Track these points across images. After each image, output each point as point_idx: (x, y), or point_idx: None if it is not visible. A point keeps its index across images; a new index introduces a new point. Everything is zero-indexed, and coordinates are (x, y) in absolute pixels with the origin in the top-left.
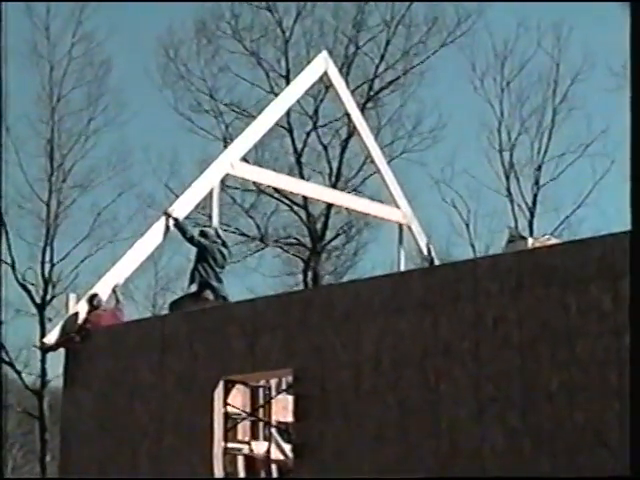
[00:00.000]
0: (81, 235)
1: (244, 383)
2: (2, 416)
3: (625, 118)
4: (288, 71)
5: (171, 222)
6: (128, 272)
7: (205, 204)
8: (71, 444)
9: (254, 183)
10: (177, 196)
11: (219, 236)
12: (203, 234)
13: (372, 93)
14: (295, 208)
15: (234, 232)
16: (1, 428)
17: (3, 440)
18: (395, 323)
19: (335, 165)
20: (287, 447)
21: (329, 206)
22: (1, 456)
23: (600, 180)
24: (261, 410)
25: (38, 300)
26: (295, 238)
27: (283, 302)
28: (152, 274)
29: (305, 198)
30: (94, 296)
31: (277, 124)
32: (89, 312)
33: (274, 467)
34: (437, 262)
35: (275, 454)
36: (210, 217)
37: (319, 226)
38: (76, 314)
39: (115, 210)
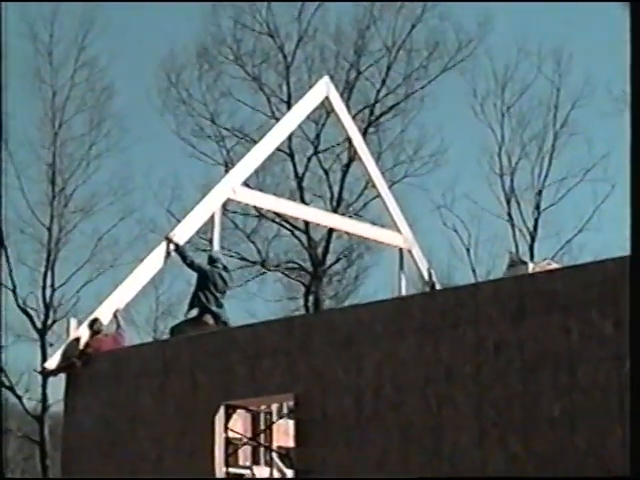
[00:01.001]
0: (82, 260)
1: (245, 408)
2: (2, 423)
3: (626, 143)
4: (289, 96)
5: (172, 247)
6: (129, 297)
7: (206, 229)
8: (72, 469)
9: (255, 208)
10: (178, 221)
11: (220, 261)
12: (211, 259)
13: (373, 118)
14: (296, 233)
15: (235, 257)
16: (1, 430)
17: (3, 440)
18: (396, 348)
19: (336, 190)
20: (288, 472)
21: (330, 231)
22: (1, 456)
23: (601, 205)
24: (262, 435)
25: (39, 325)
26: (296, 263)
27: (284, 327)
28: (153, 299)
29: (306, 223)
30: (95, 321)
31: (278, 149)
32: (91, 337)
33: None
34: (438, 287)
35: None
36: (211, 242)
37: (320, 251)
38: (77, 339)
39: (116, 235)
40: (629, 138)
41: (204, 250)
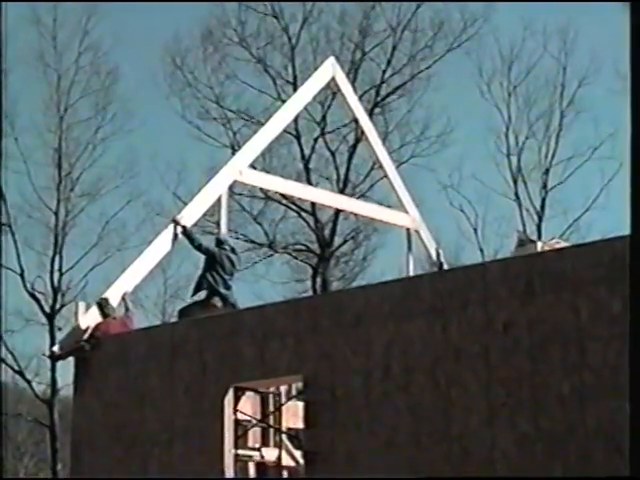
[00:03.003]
0: (90, 244)
1: (254, 390)
2: (1, 415)
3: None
4: (295, 78)
5: (179, 230)
6: (137, 280)
7: (213, 211)
8: (82, 452)
9: (262, 190)
10: (185, 204)
11: (228, 243)
12: (219, 242)
13: (379, 99)
14: (303, 214)
15: (243, 239)
16: (1, 428)
17: (3, 440)
18: (405, 328)
19: (343, 171)
20: (298, 454)
21: (337, 212)
22: (1, 456)
23: (608, 183)
24: (271, 417)
25: (47, 309)
26: (303, 244)
27: (292, 308)
28: (161, 282)
29: (313, 204)
30: (105, 300)
31: (285, 131)
32: (103, 317)
33: (285, 474)
34: (446, 267)
35: (286, 461)
36: (218, 224)
37: (327, 232)
38: (81, 326)
39: (123, 218)
40: (629, 139)
41: (211, 233)
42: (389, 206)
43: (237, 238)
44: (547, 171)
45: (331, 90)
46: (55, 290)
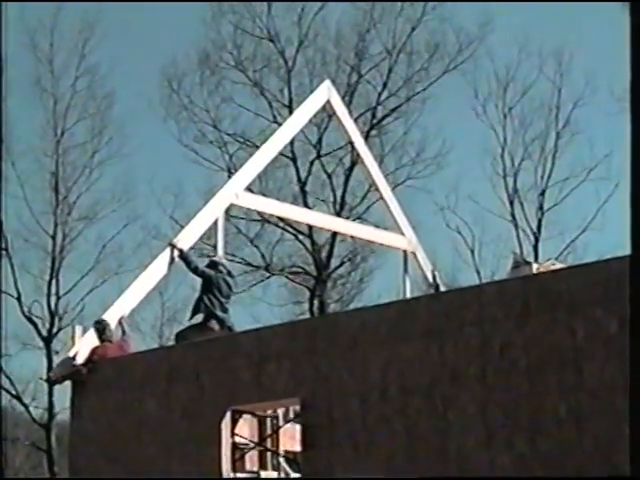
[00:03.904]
0: (87, 267)
1: (251, 413)
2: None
3: (628, 142)
4: (291, 100)
5: (176, 253)
6: (134, 303)
7: (210, 234)
8: (79, 476)
9: (259, 213)
10: (182, 227)
11: (224, 266)
12: (213, 264)
13: (375, 121)
14: (300, 237)
15: (239, 262)
16: (0, 430)
17: (3, 440)
18: (401, 350)
19: (339, 193)
20: (296, 476)
21: (334, 234)
22: (1, 456)
23: (604, 204)
24: (269, 440)
25: (44, 333)
26: (300, 267)
27: (289, 331)
28: (158, 305)
29: (310, 227)
30: (102, 323)
31: (281, 153)
32: (100, 339)
33: None
34: (442, 288)
35: None
36: (215, 247)
37: (324, 254)
38: (76, 354)
39: (120, 242)
40: (629, 139)
41: (208, 255)
42: (385, 228)
43: (234, 261)
44: (543, 192)
45: (327, 113)
46: (52, 314)
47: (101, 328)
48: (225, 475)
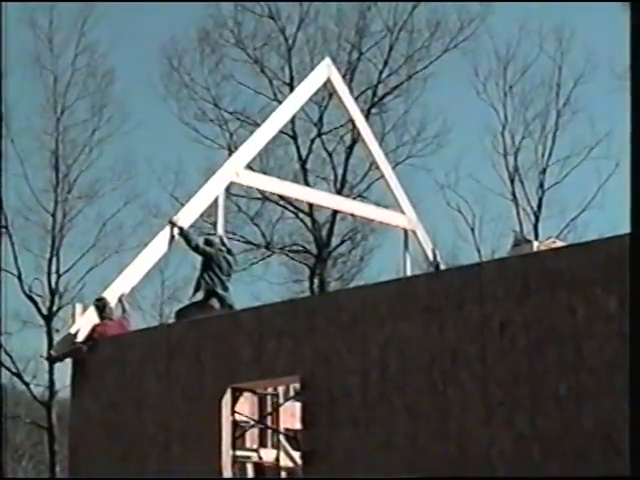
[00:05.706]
0: (87, 245)
1: (252, 391)
2: (2, 417)
3: (628, 122)
4: (292, 78)
5: (176, 231)
6: (134, 282)
7: (210, 212)
8: (79, 454)
9: (259, 191)
10: (182, 205)
11: (224, 244)
12: (208, 242)
13: (376, 99)
14: (300, 215)
15: (239, 240)
16: (1, 428)
17: (3, 440)
18: (402, 328)
19: (340, 171)
20: (296, 454)
21: (334, 212)
22: (1, 456)
23: (605, 182)
24: (269, 418)
25: (45, 311)
26: (301, 245)
27: (289, 309)
28: (158, 283)
29: (310, 205)
30: (102, 301)
31: (281, 131)
32: (100, 318)
33: (283, 474)
34: (443, 267)
35: (284, 461)
36: (215, 225)
37: (325, 233)
38: (77, 331)
39: (120, 220)
40: (629, 140)
41: (209, 234)
42: (386, 206)
43: (234, 239)
44: (544, 171)
45: (327, 91)
46: (52, 292)
47: (101, 306)
48: (225, 453)
